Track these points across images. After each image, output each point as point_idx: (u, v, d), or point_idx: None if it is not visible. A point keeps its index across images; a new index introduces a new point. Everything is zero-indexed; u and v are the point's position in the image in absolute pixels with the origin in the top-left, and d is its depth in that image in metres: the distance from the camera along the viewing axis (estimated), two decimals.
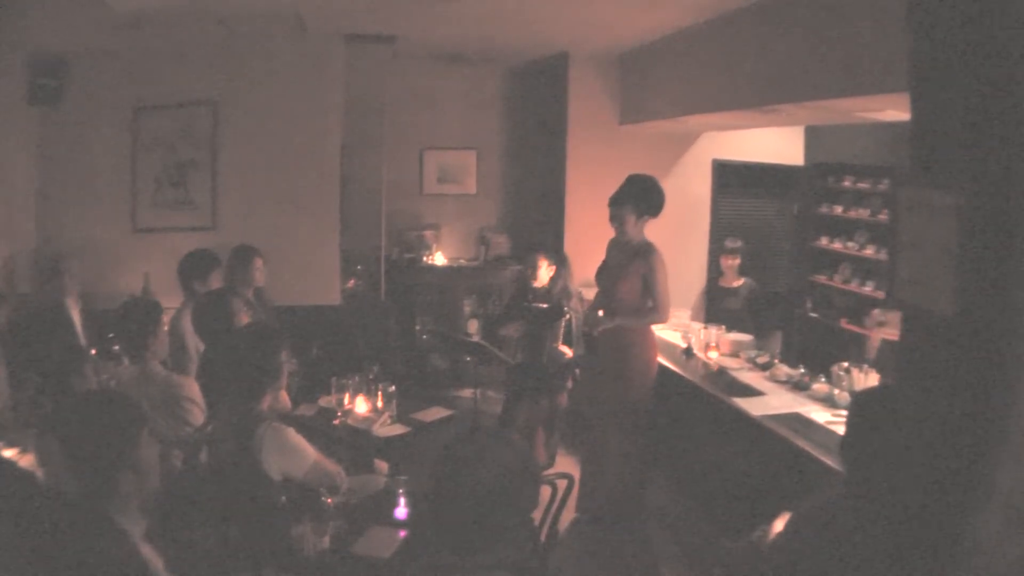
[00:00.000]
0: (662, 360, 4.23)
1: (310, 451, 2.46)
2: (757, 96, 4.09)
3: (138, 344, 2.96)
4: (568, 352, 4.29)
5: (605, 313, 3.85)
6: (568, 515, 2.86)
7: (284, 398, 2.94)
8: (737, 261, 5.49)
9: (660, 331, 4.86)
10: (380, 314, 5.59)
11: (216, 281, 3.91)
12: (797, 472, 2.96)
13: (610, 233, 3.92)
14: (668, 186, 5.77)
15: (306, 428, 3.00)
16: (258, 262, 4.22)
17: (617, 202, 3.78)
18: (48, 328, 3.09)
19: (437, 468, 1.59)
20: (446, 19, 4.58)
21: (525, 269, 4.48)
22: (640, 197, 3.75)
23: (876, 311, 3.79)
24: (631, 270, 3.74)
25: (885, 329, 3.80)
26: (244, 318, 3.26)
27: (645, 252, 3.74)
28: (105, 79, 4.59)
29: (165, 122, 4.69)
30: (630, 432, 3.85)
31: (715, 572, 3.06)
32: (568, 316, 4.30)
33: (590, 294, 5.12)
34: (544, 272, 4.44)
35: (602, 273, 3.96)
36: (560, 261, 4.52)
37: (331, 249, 5.04)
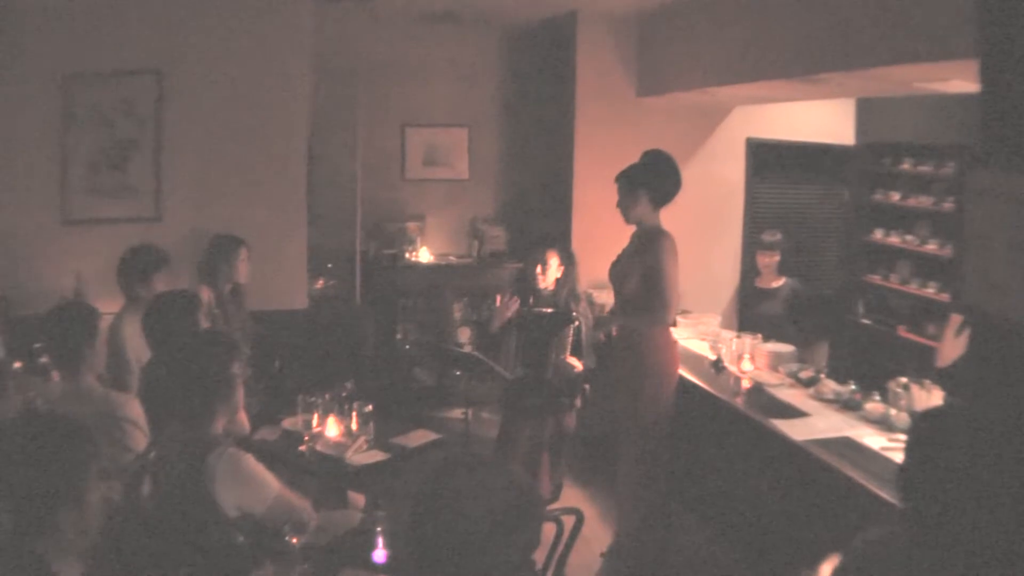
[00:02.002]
0: (687, 374, 4.23)
1: (272, 482, 2.46)
2: (799, 63, 4.09)
3: (70, 356, 2.96)
4: (577, 365, 4.29)
5: (610, 312, 3.89)
6: (576, 556, 2.86)
7: (241, 419, 2.94)
8: (776, 258, 5.49)
9: (685, 340, 4.89)
10: (355, 320, 5.59)
11: (161, 282, 3.91)
12: (847, 507, 2.96)
13: (627, 226, 3.93)
14: (695, 170, 5.84)
15: (267, 455, 3.00)
16: (243, 253, 4.24)
17: (619, 178, 3.81)
18: None
19: (422, 502, 1.59)
20: None
21: (531, 267, 4.46)
22: (649, 176, 3.77)
23: (956, 316, 3.75)
24: (637, 261, 3.76)
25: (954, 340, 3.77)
26: (204, 323, 3.26)
27: (656, 238, 3.76)
28: (29, 41, 4.57)
29: (101, 93, 4.67)
30: (648, 459, 3.85)
31: None
32: (577, 323, 4.30)
33: (602, 297, 5.14)
34: (553, 271, 4.43)
35: (613, 268, 3.98)
36: (569, 261, 4.51)
37: (297, 244, 5.04)
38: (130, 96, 4.70)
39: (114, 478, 2.70)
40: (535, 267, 4.43)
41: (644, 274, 3.76)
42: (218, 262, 4.22)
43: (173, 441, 2.47)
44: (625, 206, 3.82)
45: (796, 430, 3.44)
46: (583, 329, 4.33)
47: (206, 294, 4.08)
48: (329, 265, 5.65)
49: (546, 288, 4.43)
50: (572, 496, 4.58)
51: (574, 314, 4.31)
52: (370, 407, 3.57)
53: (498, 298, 4.56)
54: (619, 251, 4.02)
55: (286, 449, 3.45)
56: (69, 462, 1.76)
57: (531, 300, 4.46)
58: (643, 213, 3.81)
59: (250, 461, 2.43)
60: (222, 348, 2.55)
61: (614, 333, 4.02)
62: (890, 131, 6.09)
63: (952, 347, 3.58)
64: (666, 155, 3.84)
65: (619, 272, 3.90)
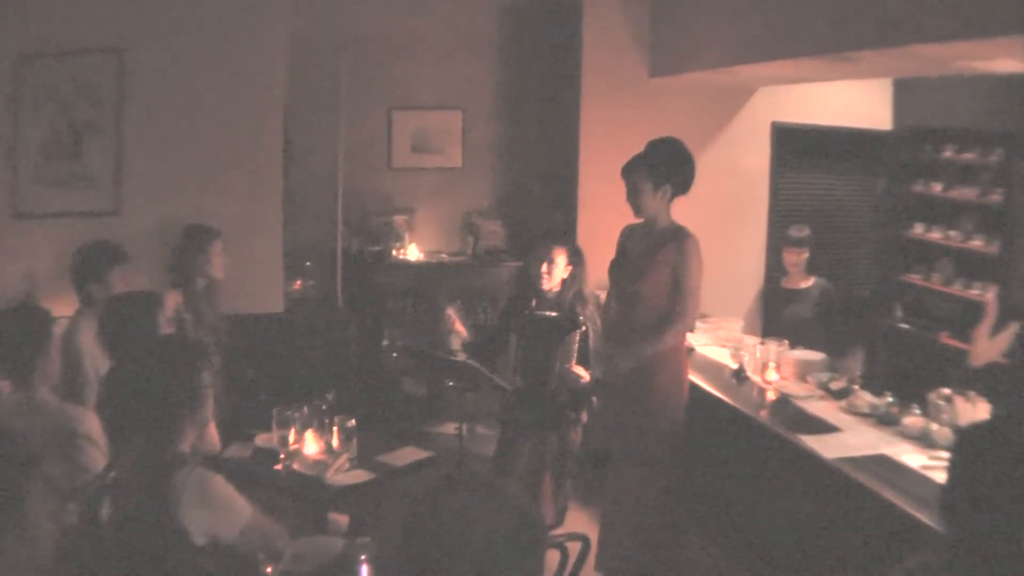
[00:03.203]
0: (705, 385, 4.24)
1: (244, 506, 2.46)
2: (830, 40, 4.10)
3: (21, 365, 2.95)
4: (583, 375, 4.29)
5: (616, 339, 3.86)
6: None
7: (211, 435, 2.94)
8: (804, 255, 5.50)
9: (703, 347, 4.89)
10: (336, 325, 5.59)
11: (119, 282, 3.91)
12: (883, 532, 2.97)
13: (636, 220, 3.94)
14: (714, 158, 5.86)
15: (239, 474, 3.00)
16: (218, 245, 4.24)
17: (631, 170, 3.82)
18: None
19: (410, 528, 1.59)
20: None
21: (534, 265, 4.45)
22: (660, 164, 3.78)
23: (991, 310, 3.74)
24: (657, 261, 3.76)
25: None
26: (167, 330, 3.27)
27: (676, 237, 3.77)
28: None
29: (55, 74, 4.68)
30: (659, 478, 3.86)
31: None
32: (584, 328, 4.30)
33: None
34: (560, 271, 4.42)
35: (619, 267, 3.98)
36: (577, 260, 4.50)
37: (272, 240, 5.04)
38: (87, 76, 4.71)
39: (70, 500, 2.70)
40: (539, 265, 4.42)
41: (663, 279, 3.76)
42: (192, 255, 4.22)
43: (135, 460, 2.47)
44: (638, 202, 3.82)
45: (827, 447, 3.44)
46: (590, 335, 4.33)
47: (175, 294, 4.09)
48: (307, 264, 5.67)
49: (551, 290, 4.43)
50: (578, 520, 4.58)
51: (581, 318, 4.31)
52: (353, 421, 3.58)
53: (450, 312, 4.55)
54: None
55: (260, 468, 3.46)
56: (3, 476, 1.75)
57: (533, 303, 4.46)
58: (659, 208, 3.82)
59: (220, 482, 2.43)
60: (189, 355, 2.55)
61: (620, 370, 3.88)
62: (931, 115, 6.10)
63: (988, 347, 3.58)
64: (679, 142, 3.85)
65: (629, 273, 3.88)
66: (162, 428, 2.45)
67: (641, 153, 3.85)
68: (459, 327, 4.49)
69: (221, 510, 2.40)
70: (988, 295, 3.70)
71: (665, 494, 3.88)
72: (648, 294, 3.80)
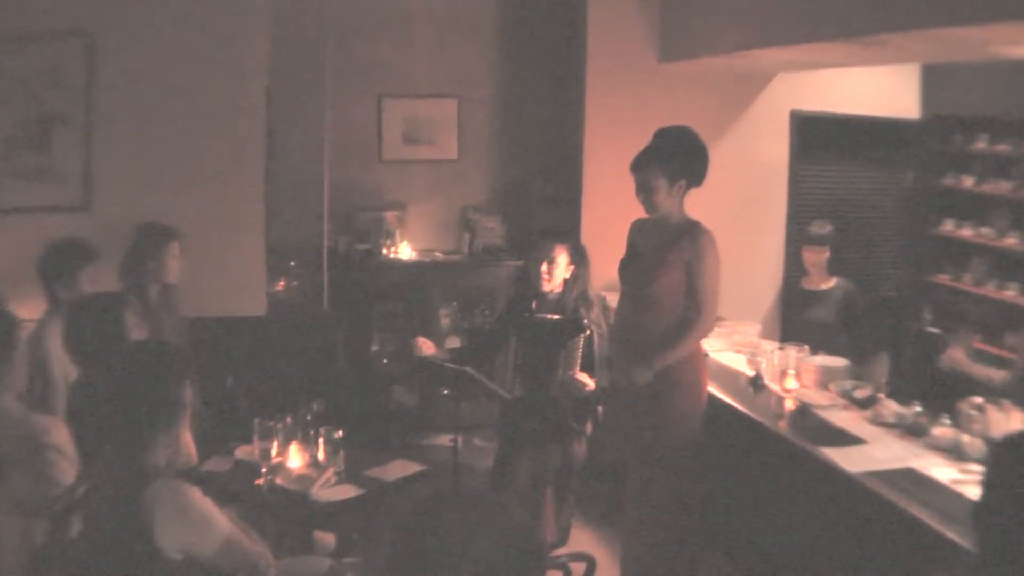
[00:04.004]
0: (719, 393, 4.24)
1: (222, 521, 2.47)
2: (854, 22, 4.10)
3: None
4: (588, 383, 4.30)
5: (631, 348, 3.86)
6: None
7: (187, 447, 2.95)
8: (826, 254, 5.51)
9: (717, 352, 4.90)
10: (322, 329, 5.59)
11: (89, 282, 3.92)
12: (911, 550, 2.98)
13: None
14: (729, 149, 5.86)
15: (217, 489, 3.01)
16: (174, 248, 4.24)
17: (642, 165, 3.81)
18: None
19: (402, 547, 1.60)
20: None
21: (534, 264, 4.45)
22: (673, 156, 3.79)
23: None
24: (670, 260, 3.77)
25: None
26: (138, 334, 3.27)
27: (690, 233, 3.78)
28: None
29: (20, 60, 4.68)
30: (671, 494, 3.86)
31: None
32: (588, 332, 4.31)
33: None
34: (562, 270, 4.43)
35: (629, 267, 3.98)
36: (580, 259, 4.50)
37: (253, 238, 5.05)
38: (54, 63, 4.71)
39: (38, 515, 2.71)
40: (540, 265, 4.41)
41: (677, 279, 3.76)
42: (143, 258, 4.21)
43: (107, 472, 2.48)
44: (652, 200, 3.81)
45: (850, 460, 3.45)
46: (595, 340, 4.33)
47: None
48: (291, 263, 5.66)
49: (552, 291, 4.43)
50: (582, 539, 4.59)
51: (585, 322, 4.31)
52: (340, 433, 3.58)
53: (419, 342, 4.55)
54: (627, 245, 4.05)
55: (240, 483, 3.46)
56: None
57: (533, 304, 4.46)
58: (673, 203, 3.82)
59: (196, 495, 2.43)
60: (166, 362, 2.56)
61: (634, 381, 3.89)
62: (962, 103, 6.11)
63: None
64: (691, 130, 3.86)
65: (641, 274, 3.89)
66: (136, 440, 2.46)
67: (651, 146, 3.85)
68: (427, 349, 4.47)
69: (197, 525, 2.41)
70: None
71: (684, 510, 3.89)
72: (662, 296, 3.80)
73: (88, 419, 3.01)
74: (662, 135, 3.87)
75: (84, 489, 2.60)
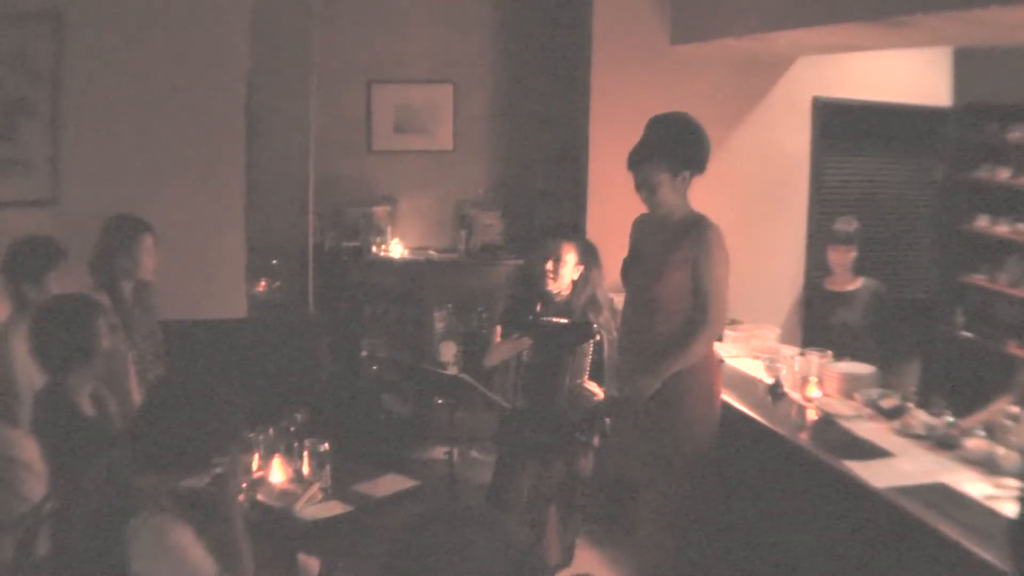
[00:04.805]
0: (735, 403, 4.25)
1: (207, 565, 2.44)
2: (882, 1, 4.11)
3: None
4: (597, 392, 4.30)
5: (636, 355, 3.87)
6: None
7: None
8: (851, 253, 5.51)
9: (733, 359, 4.91)
10: (307, 333, 5.60)
11: (57, 283, 3.93)
12: (941, 570, 2.98)
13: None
14: (746, 139, 5.87)
15: (193, 505, 3.01)
16: (147, 242, 4.25)
17: (641, 160, 3.81)
18: None
19: (393, 568, 1.61)
20: None
21: (539, 264, 4.44)
22: (674, 147, 3.79)
23: None
24: (675, 260, 3.77)
25: None
26: (109, 339, 3.28)
27: (695, 228, 3.77)
28: None
29: None
30: (683, 510, 3.87)
31: None
32: (598, 337, 4.31)
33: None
34: (570, 270, 4.41)
35: (631, 268, 3.99)
36: (590, 258, 4.49)
37: (233, 234, 5.06)
38: (20, 46, 4.71)
39: (4, 532, 2.72)
40: (545, 262, 4.38)
41: (683, 280, 3.76)
42: (114, 253, 4.21)
43: (82, 490, 2.48)
44: (655, 197, 3.80)
45: (876, 474, 3.45)
46: (605, 346, 4.34)
47: (100, 296, 4.10)
48: (274, 261, 5.67)
49: (559, 292, 4.42)
50: (588, 560, 4.60)
51: (594, 326, 4.31)
52: (326, 445, 3.59)
53: (498, 332, 4.52)
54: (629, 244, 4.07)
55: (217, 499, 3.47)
56: None
57: (538, 307, 4.45)
58: (677, 197, 3.82)
59: (182, 535, 2.38)
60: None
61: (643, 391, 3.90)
62: (997, 90, 6.10)
63: None
64: (686, 115, 3.86)
65: (643, 276, 3.89)
66: (108, 455, 2.46)
67: (646, 138, 3.83)
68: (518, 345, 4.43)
69: (180, 569, 2.39)
70: None
71: (697, 527, 3.90)
72: (667, 299, 3.80)
73: (56, 432, 3.02)
74: (657, 124, 3.85)
75: (52, 506, 2.61)
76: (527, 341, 4.34)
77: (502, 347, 4.44)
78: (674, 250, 3.78)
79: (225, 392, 2.55)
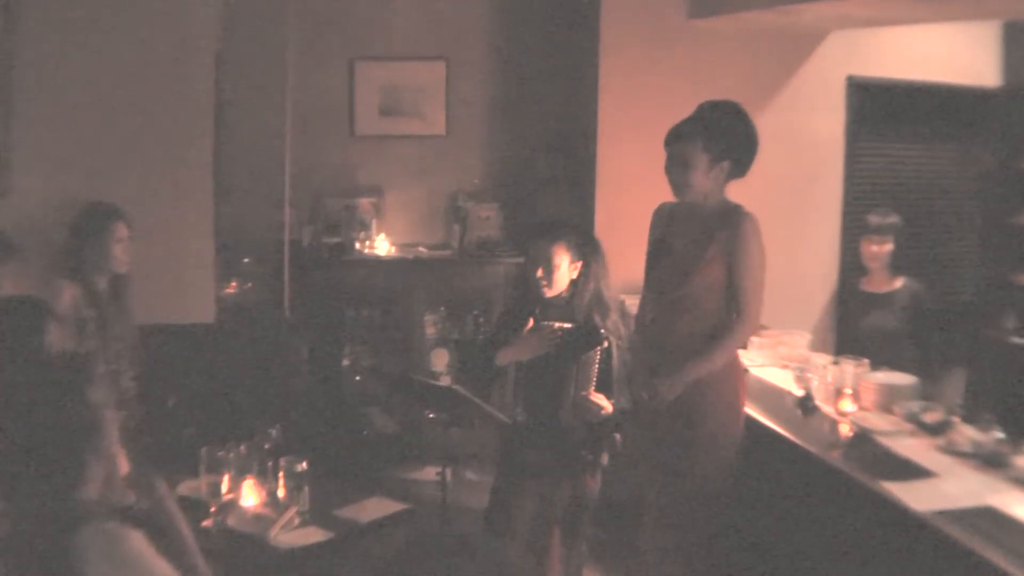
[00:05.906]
0: (761, 417, 4.25)
1: (166, 571, 2.47)
2: None
3: None
4: (605, 405, 4.30)
5: (657, 358, 3.86)
6: None
7: (122, 466, 2.94)
8: (889, 247, 5.50)
9: (758, 368, 4.91)
10: (282, 339, 5.61)
11: (7, 282, 3.93)
12: None
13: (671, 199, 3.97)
14: (773, 123, 5.84)
15: (158, 531, 3.01)
16: (119, 231, 4.25)
17: (683, 136, 3.83)
18: None
19: None
20: None
21: (530, 269, 4.43)
22: (724, 135, 3.80)
23: None
24: (709, 256, 3.77)
25: None
26: (60, 343, 3.28)
27: (731, 219, 3.79)
28: None
29: None
30: (701, 534, 3.88)
31: None
32: (606, 343, 4.30)
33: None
34: (564, 273, 4.41)
35: (657, 264, 3.99)
36: (589, 251, 4.48)
37: (200, 229, 5.06)
38: None
39: None
40: (535, 271, 4.31)
41: (717, 277, 3.77)
42: (84, 242, 4.22)
43: (28, 508, 2.49)
44: (686, 178, 3.82)
45: (917, 497, 3.45)
46: (614, 352, 4.33)
47: (69, 291, 4.10)
48: (245, 260, 5.67)
49: (558, 295, 4.41)
50: None
51: (602, 331, 4.30)
52: (304, 465, 3.59)
53: (530, 321, 4.47)
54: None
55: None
56: None
57: (537, 310, 4.45)
58: (713, 187, 3.83)
59: (136, 542, 2.43)
60: (74, 370, 2.56)
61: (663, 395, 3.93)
62: None
63: None
64: (743, 109, 3.88)
65: (672, 272, 3.89)
66: (61, 468, 2.47)
67: (694, 116, 3.87)
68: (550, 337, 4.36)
69: (143, 573, 2.42)
70: None
71: (716, 553, 3.90)
72: (699, 299, 3.81)
73: (5, 445, 3.02)
74: (709, 106, 3.90)
75: (2, 529, 2.61)
76: (559, 331, 4.27)
77: (530, 340, 4.34)
78: (707, 246, 3.79)
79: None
